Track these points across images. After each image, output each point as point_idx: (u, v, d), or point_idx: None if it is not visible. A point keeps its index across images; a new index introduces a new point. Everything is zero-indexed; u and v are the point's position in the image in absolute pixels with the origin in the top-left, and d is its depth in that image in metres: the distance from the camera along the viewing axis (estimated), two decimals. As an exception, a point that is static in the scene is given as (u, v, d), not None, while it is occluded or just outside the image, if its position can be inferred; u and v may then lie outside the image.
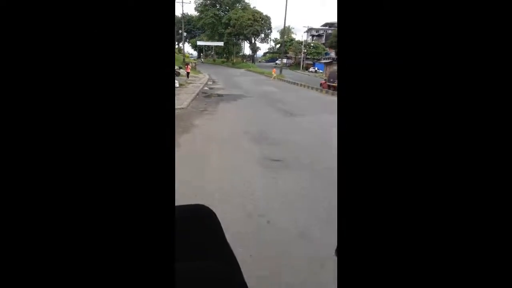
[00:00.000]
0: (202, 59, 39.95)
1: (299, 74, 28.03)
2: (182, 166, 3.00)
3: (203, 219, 0.57)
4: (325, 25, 42.66)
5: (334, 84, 12.75)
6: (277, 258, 1.70)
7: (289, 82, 17.56)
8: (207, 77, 17.57)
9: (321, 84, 14.23)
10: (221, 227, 0.57)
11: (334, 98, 10.80)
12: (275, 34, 57.20)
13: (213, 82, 15.09)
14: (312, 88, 13.92)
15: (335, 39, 20.41)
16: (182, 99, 7.72)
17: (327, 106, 8.50)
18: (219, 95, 9.58)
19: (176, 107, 6.63)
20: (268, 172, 3.03)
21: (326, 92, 12.56)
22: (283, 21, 37.55)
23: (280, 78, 19.96)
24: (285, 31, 33.12)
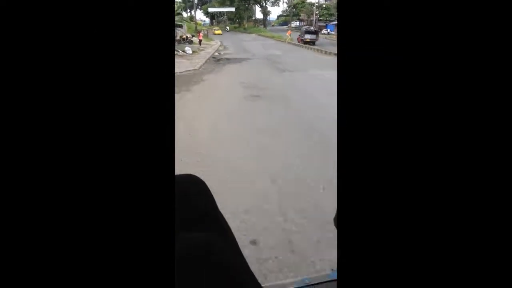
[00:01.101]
0: (217, 27, 40.52)
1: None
2: (193, 101, 4.79)
3: (195, 189, 0.57)
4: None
5: (304, 39, 18.42)
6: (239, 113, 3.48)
7: (295, 44, 18.61)
8: (219, 43, 18.85)
9: (297, 39, 19.41)
10: (212, 197, 0.58)
11: (326, 57, 12.36)
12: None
13: (224, 48, 16.43)
14: (312, 49, 15.09)
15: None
16: (194, 63, 9.35)
17: (316, 64, 9.87)
18: (227, 59, 11.09)
19: (189, 69, 8.32)
20: (248, 102, 4.82)
21: (320, 52, 14.04)
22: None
23: (289, 41, 20.92)
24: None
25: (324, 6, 35.81)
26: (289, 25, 38.73)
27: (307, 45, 16.93)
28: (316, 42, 18.47)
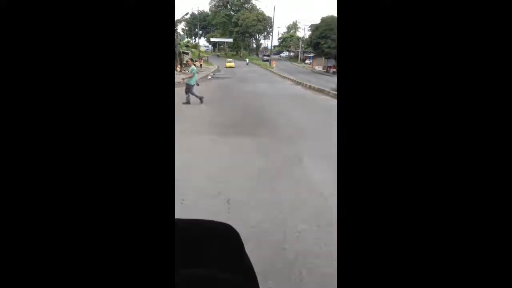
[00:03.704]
0: (218, 53, 47.49)
1: (289, 65, 35.51)
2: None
3: (228, 236, 0.58)
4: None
5: (263, 59, 31.09)
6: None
7: (271, 71, 24.97)
8: (216, 67, 25.18)
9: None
10: (243, 246, 0.59)
11: (277, 78, 18.42)
12: (283, 29, 63.94)
13: (219, 71, 22.66)
14: (277, 74, 21.32)
15: (315, 33, 27.41)
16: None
17: (268, 80, 15.91)
18: (217, 77, 17.12)
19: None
20: (222, 91, 10.63)
21: (278, 75, 20.24)
22: (292, 18, 44.33)
23: (269, 69, 27.36)
24: (290, 27, 40.10)
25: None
26: (280, 55, 45.93)
27: (280, 74, 23.22)
28: (286, 69, 25.30)
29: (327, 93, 10.11)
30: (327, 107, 7.31)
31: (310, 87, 12.15)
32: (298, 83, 14.22)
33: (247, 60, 35.74)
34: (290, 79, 16.68)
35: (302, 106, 7.32)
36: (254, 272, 0.56)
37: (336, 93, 9.54)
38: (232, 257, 0.55)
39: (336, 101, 7.96)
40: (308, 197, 2.28)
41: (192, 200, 2.11)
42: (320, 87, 11.28)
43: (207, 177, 2.55)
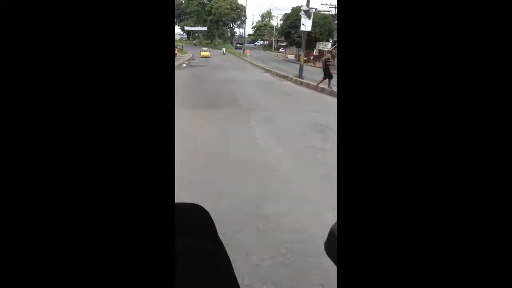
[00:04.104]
0: (195, 42, 47.49)
1: (263, 53, 36.79)
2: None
3: (197, 218, 0.59)
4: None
5: (237, 47, 33.83)
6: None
7: (244, 60, 26.15)
8: (190, 56, 25.96)
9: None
10: (214, 227, 0.60)
11: (249, 66, 19.68)
12: (257, 18, 64.71)
13: (193, 59, 23.51)
14: (250, 63, 22.58)
15: (286, 23, 28.71)
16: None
17: (240, 68, 17.19)
18: (191, 65, 18.12)
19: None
20: (197, 77, 11.82)
21: (250, 63, 21.46)
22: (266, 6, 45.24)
23: (242, 57, 28.49)
24: (264, 16, 41.13)
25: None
26: (254, 43, 46.95)
27: (252, 62, 24.46)
28: (259, 58, 26.47)
29: (290, 79, 11.59)
30: (284, 90, 8.81)
31: (277, 74, 13.58)
32: (267, 71, 15.61)
33: (223, 49, 34.66)
34: (261, 67, 18.01)
35: (264, 90, 8.73)
36: (226, 254, 0.57)
37: (297, 78, 11.05)
38: (204, 237, 0.56)
39: (295, 85, 9.56)
40: (246, 136, 3.74)
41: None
42: (286, 74, 12.72)
43: (184, 131, 3.91)
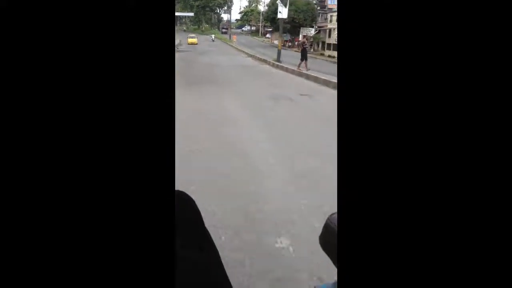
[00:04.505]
0: (184, 28, 47.71)
1: (250, 39, 37.60)
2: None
3: (183, 206, 0.58)
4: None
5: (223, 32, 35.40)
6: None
7: (230, 45, 27.13)
8: (178, 41, 26.76)
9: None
10: (200, 215, 0.59)
11: (234, 51, 20.81)
12: (245, 3, 64.89)
13: (180, 45, 24.40)
14: (236, 48, 23.63)
15: (271, 8, 29.57)
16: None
17: (226, 53, 18.35)
18: (179, 51, 19.13)
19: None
20: (186, 63, 13.00)
21: (234, 48, 22.57)
22: (245, -7, 45.80)
23: (229, 43, 29.40)
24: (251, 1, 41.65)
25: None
26: (242, 29, 47.49)
27: (237, 48, 25.46)
28: (246, 43, 27.40)
29: (269, 63, 12.88)
30: (260, 72, 10.16)
31: (258, 59, 14.82)
32: (250, 56, 16.82)
33: (213, 36, 34.18)
34: (245, 52, 19.15)
35: (242, 72, 10.03)
36: (213, 244, 0.57)
37: (275, 62, 12.33)
38: (189, 229, 0.55)
39: (272, 67, 11.02)
40: (218, 103, 5.11)
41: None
42: (266, 59, 13.98)
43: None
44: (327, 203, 1.96)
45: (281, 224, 1.87)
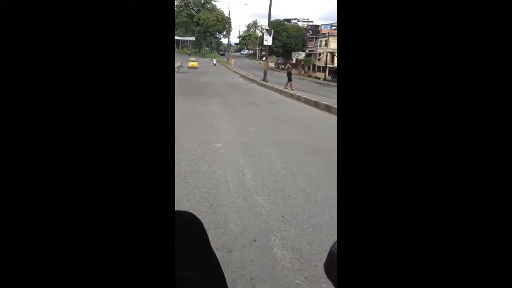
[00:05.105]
0: (189, 52, 50.68)
1: (247, 62, 40.88)
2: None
3: (190, 227, 0.58)
4: (285, 20, 54.97)
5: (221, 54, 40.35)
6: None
7: (228, 67, 29.94)
8: (179, 64, 29.60)
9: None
10: (207, 237, 0.59)
11: (231, 72, 23.36)
12: (244, 28, 69.28)
13: (182, 67, 27.16)
14: (232, 70, 26.33)
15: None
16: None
17: (222, 74, 20.91)
18: (180, 72, 21.75)
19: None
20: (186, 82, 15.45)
21: (231, 71, 25.17)
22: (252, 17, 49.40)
23: (227, 65, 32.32)
24: (249, 26, 45.23)
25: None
26: (240, 52, 51.02)
27: (233, 69, 28.21)
28: (242, 66, 30.18)
29: (256, 82, 15.30)
30: (245, 88, 12.58)
31: (248, 79, 17.27)
32: (242, 76, 19.34)
33: (214, 60, 34.59)
34: (239, 73, 21.74)
35: (231, 88, 12.35)
36: (219, 266, 0.56)
37: (261, 81, 14.71)
38: (196, 252, 0.55)
39: (258, 85, 13.76)
40: (206, 107, 7.37)
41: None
42: (255, 79, 16.42)
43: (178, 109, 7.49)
44: (247, 139, 4.14)
45: (224, 142, 4.00)
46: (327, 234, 1.92)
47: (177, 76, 17.90)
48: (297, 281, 1.50)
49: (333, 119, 6.39)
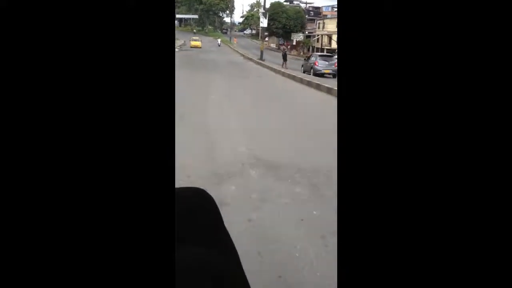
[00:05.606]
0: (194, 30, 51.37)
1: (250, 42, 42.29)
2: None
3: (202, 203, 0.58)
4: (287, 1, 55.60)
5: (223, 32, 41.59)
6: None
7: (229, 47, 31.56)
8: (182, 42, 31.16)
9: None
10: (219, 213, 0.58)
11: (231, 51, 25.18)
12: (247, 7, 69.76)
13: (184, 45, 28.79)
14: (233, 49, 28.00)
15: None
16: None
17: (223, 52, 22.73)
18: (183, 50, 23.49)
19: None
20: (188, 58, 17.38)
21: (234, 51, 26.87)
22: (246, -1, 50.24)
23: (229, 45, 33.85)
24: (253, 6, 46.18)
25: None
26: (244, 32, 52.17)
27: (234, 49, 29.82)
28: (245, 46, 31.80)
29: (253, 61, 17.19)
30: (241, 65, 14.61)
31: (247, 58, 19.13)
32: (242, 55, 21.16)
33: (219, 40, 34.29)
34: (239, 53, 23.49)
35: (228, 65, 14.31)
36: (232, 244, 0.56)
37: (258, 60, 16.57)
38: (208, 230, 0.55)
39: (253, 63, 16.00)
40: (206, 78, 9.46)
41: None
42: (253, 57, 18.27)
43: (182, 76, 9.51)
44: (231, 94, 6.23)
45: (215, 95, 6.07)
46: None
47: (180, 54, 19.79)
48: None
49: (304, 88, 8.44)
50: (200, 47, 25.78)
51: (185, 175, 2.21)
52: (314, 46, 32.19)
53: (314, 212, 1.81)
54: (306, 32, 34.89)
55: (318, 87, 7.96)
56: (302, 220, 1.70)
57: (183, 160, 2.35)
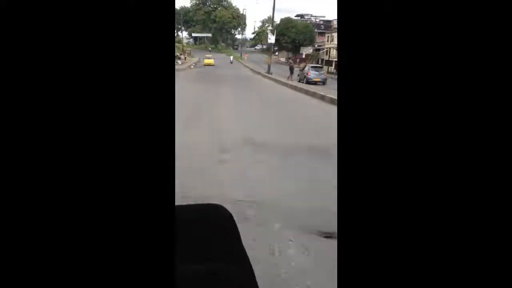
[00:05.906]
0: (210, 48, 53.39)
1: (260, 56, 44.07)
2: (187, 71, 18.97)
3: (220, 220, 0.58)
4: (298, 16, 57.59)
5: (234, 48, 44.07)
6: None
7: (240, 62, 33.24)
8: (197, 59, 33.15)
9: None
10: (237, 230, 0.58)
11: (241, 66, 26.80)
12: (259, 24, 72.48)
13: (199, 62, 30.69)
14: (242, 64, 29.59)
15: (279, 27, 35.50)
16: (181, 68, 23.56)
17: (233, 67, 24.30)
18: (197, 67, 25.24)
19: (180, 68, 22.34)
20: (204, 73, 18.97)
21: (244, 66, 28.45)
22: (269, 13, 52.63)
23: (240, 60, 35.62)
24: (264, 22, 48.38)
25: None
26: (255, 47, 54.31)
27: (244, 64, 31.47)
28: (255, 60, 33.47)
29: (261, 74, 18.55)
30: (249, 78, 15.98)
31: (255, 72, 20.56)
32: (251, 70, 22.64)
33: (231, 57, 35.24)
34: (249, 67, 25.01)
35: (238, 78, 15.66)
36: (249, 261, 0.56)
37: (266, 73, 17.89)
38: (226, 246, 0.55)
39: (260, 76, 17.59)
40: (216, 88, 10.81)
41: (185, 93, 10.48)
42: (260, 71, 19.66)
43: (196, 86, 10.87)
44: (235, 99, 7.48)
45: (223, 100, 7.31)
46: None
47: (196, 70, 21.44)
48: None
49: (298, 95, 9.58)
50: (213, 65, 26.54)
51: (198, 151, 3.32)
52: (323, 59, 33.44)
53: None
54: (316, 46, 36.29)
55: (314, 94, 9.15)
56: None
57: (198, 139, 3.76)
